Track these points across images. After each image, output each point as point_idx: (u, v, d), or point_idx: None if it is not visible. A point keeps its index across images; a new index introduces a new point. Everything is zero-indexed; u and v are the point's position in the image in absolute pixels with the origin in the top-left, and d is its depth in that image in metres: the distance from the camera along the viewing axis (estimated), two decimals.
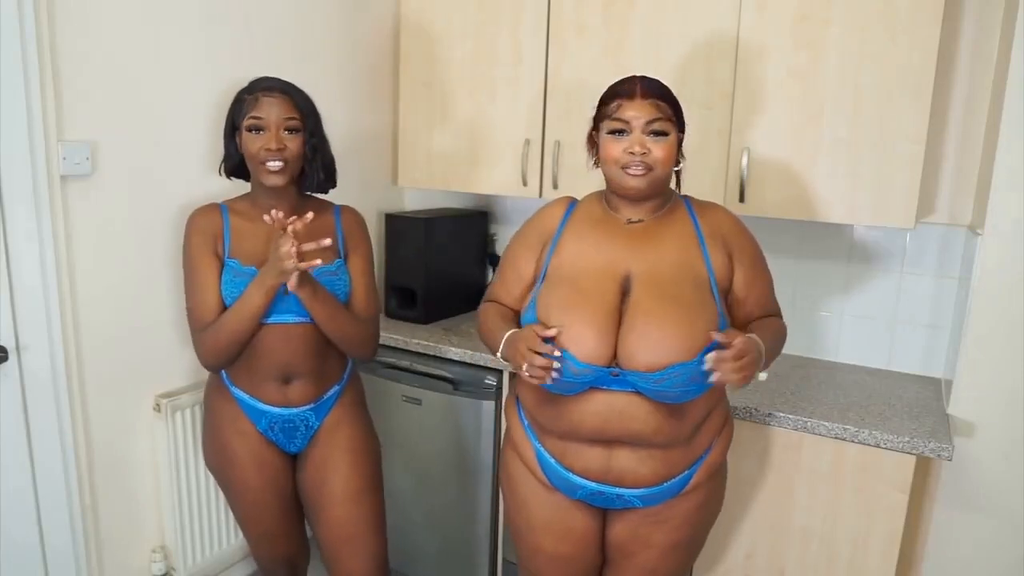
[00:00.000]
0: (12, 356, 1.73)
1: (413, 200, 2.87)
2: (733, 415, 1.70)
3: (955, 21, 1.94)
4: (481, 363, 2.17)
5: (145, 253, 1.96)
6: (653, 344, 1.31)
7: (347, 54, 2.45)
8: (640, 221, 1.47)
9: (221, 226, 1.63)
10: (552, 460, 1.46)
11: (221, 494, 2.19)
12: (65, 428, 1.83)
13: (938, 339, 2.12)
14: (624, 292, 1.40)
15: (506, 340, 1.43)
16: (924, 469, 1.94)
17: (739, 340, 1.30)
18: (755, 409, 1.81)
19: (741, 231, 1.51)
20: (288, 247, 1.44)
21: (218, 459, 1.70)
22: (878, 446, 1.70)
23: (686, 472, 1.44)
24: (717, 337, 1.32)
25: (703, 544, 1.60)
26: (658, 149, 1.38)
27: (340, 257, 1.69)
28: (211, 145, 2.07)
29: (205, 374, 2.13)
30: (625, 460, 1.40)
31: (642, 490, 1.42)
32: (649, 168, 1.39)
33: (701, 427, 1.44)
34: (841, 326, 2.24)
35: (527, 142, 2.31)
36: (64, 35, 1.71)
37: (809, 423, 1.76)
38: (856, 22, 1.81)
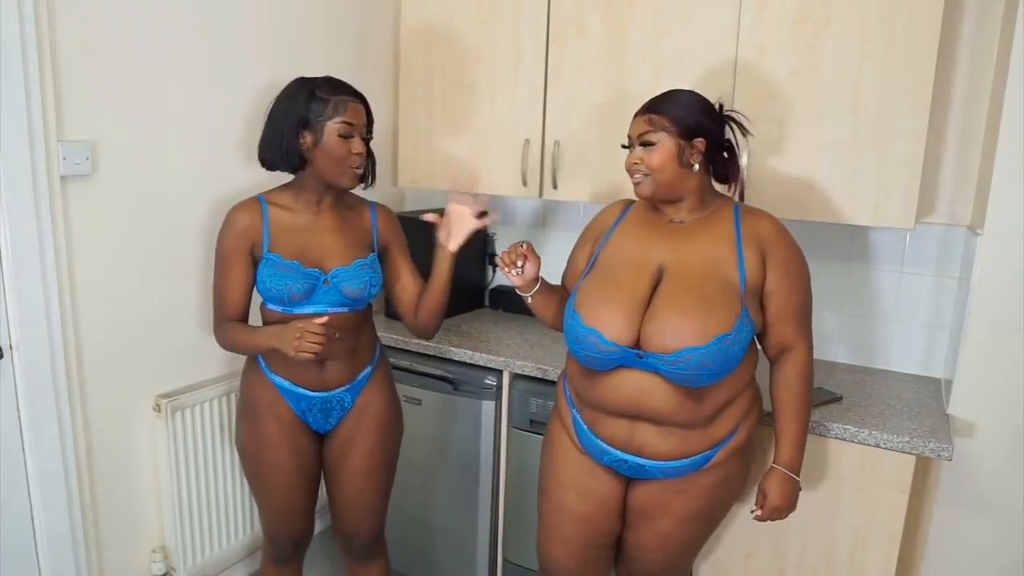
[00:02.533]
0: (12, 356, 1.73)
1: (413, 200, 2.87)
2: None
3: (955, 21, 1.94)
4: (481, 363, 2.17)
5: (145, 253, 1.96)
6: (669, 329, 1.44)
7: (347, 54, 2.45)
8: (681, 222, 1.58)
9: (260, 224, 1.67)
10: (585, 426, 1.60)
11: (221, 494, 2.20)
12: (65, 428, 1.83)
13: (938, 339, 2.12)
14: (656, 283, 1.52)
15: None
16: (924, 469, 1.94)
17: (771, 511, 1.55)
18: None
19: (780, 238, 1.55)
20: (312, 343, 1.54)
21: (254, 442, 1.75)
22: (878, 446, 1.71)
23: (707, 452, 1.53)
24: (756, 516, 1.57)
25: (720, 520, 1.66)
26: (648, 157, 1.52)
27: (374, 252, 1.77)
28: (211, 144, 2.07)
29: (205, 375, 2.16)
30: (646, 434, 1.52)
31: (662, 463, 1.53)
32: (646, 174, 1.53)
33: (723, 411, 1.53)
34: (841, 326, 2.24)
35: (527, 142, 2.31)
36: (64, 35, 1.71)
37: (809, 423, 1.76)
38: (856, 22, 1.82)
